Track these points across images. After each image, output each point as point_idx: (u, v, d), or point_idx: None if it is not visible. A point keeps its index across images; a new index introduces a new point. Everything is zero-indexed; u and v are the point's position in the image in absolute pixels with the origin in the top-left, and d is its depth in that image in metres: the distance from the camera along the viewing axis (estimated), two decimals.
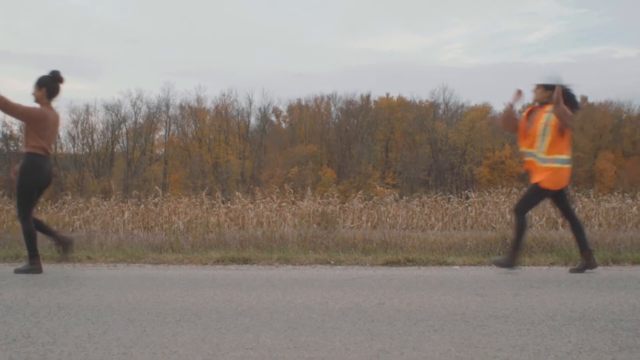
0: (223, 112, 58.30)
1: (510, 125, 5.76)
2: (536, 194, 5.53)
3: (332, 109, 59.95)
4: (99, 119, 67.55)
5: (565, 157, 5.45)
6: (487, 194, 14.32)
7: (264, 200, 14.00)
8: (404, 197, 15.33)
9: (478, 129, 53.45)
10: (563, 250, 6.79)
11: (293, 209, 13.39)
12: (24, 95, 5.64)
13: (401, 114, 58.19)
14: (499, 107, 55.71)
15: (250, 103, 59.56)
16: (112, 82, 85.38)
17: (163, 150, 57.60)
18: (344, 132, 57.78)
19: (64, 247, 5.84)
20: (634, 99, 77.39)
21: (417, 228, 13.14)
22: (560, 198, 5.56)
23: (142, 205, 13.73)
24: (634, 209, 13.24)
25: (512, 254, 5.52)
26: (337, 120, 59.48)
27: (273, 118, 61.53)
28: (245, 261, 6.34)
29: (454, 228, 13.36)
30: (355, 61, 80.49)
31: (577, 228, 5.61)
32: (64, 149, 54.03)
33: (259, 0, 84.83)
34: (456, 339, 2.94)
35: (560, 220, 12.99)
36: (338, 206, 13.95)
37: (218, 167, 54.14)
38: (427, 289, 4.48)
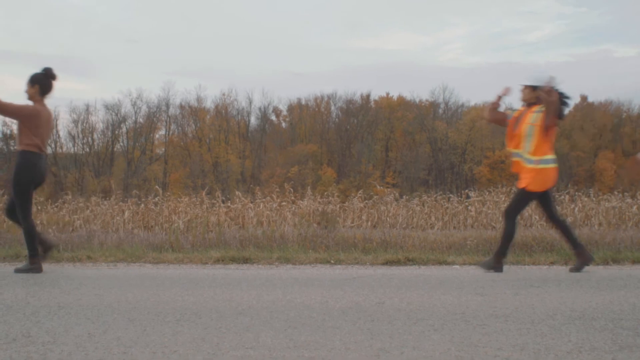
0: (223, 111, 58.31)
1: (496, 118, 5.83)
2: (524, 198, 5.55)
3: (332, 108, 60.00)
4: (99, 119, 67.30)
5: (550, 157, 5.48)
6: (487, 193, 14.31)
7: (264, 199, 14.00)
8: (404, 197, 15.32)
9: (478, 128, 53.43)
10: (563, 250, 6.78)
11: (293, 208, 13.39)
12: (24, 95, 5.63)
13: (401, 113, 58.18)
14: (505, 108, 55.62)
15: (250, 102, 59.63)
16: (112, 82, 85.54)
17: (163, 149, 57.61)
18: (344, 131, 57.78)
19: (45, 249, 5.72)
20: (634, 98, 77.44)
21: (417, 227, 13.14)
22: (545, 199, 5.58)
23: (142, 205, 13.73)
24: (634, 208, 13.24)
25: (498, 256, 5.51)
26: (337, 119, 59.49)
27: (273, 117, 61.57)
28: (246, 260, 6.34)
29: (454, 227, 13.35)
30: (355, 60, 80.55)
31: (563, 228, 5.65)
32: (64, 149, 54.10)
33: (259, 0, 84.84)
34: (456, 338, 2.94)
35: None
36: (338, 205, 13.94)
37: (218, 167, 54.15)
38: (427, 288, 4.48)
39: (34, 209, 12.85)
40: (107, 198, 14.64)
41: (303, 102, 60.48)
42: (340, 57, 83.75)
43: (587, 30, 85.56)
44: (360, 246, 7.30)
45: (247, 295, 4.13)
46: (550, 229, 6.44)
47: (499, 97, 5.75)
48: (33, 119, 5.44)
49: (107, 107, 55.03)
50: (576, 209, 13.43)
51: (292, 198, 14.25)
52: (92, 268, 5.98)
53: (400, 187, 38.52)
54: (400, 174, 53.80)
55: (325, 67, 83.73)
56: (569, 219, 12.90)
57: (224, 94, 58.79)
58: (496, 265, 5.48)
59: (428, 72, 77.75)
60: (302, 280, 4.93)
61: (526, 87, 5.60)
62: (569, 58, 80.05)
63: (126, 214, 13.31)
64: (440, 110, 60.08)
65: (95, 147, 55.35)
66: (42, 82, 5.58)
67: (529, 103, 5.58)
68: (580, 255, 5.54)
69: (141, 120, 56.60)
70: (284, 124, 62.64)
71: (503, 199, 13.43)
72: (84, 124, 54.83)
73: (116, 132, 55.98)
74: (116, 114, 55.44)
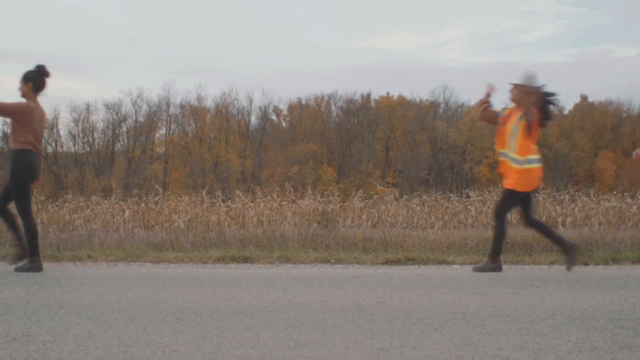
0: (223, 110, 58.31)
1: (487, 117, 5.81)
2: (511, 198, 5.56)
3: (333, 107, 60.01)
4: (99, 118, 67.76)
5: (535, 157, 5.50)
6: (488, 192, 14.30)
7: (264, 199, 13.99)
8: (404, 196, 15.31)
9: (478, 128, 53.40)
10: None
11: (293, 207, 13.39)
12: (18, 93, 5.62)
13: (401, 113, 58.18)
14: (499, 106, 55.63)
15: (251, 102, 59.66)
16: (113, 81, 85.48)
17: (163, 149, 57.63)
18: (345, 131, 57.77)
19: (24, 252, 5.65)
20: (634, 98, 77.41)
21: (417, 227, 13.13)
22: (526, 201, 5.60)
23: (143, 204, 13.72)
24: (634, 208, 13.23)
25: (493, 256, 5.52)
26: (337, 119, 59.48)
27: (273, 117, 61.58)
28: (246, 260, 6.35)
29: (454, 227, 13.34)
30: (355, 60, 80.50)
31: (542, 229, 5.71)
32: (65, 148, 54.14)
33: (259, 0, 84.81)
34: (456, 338, 2.94)
35: (560, 219, 12.99)
36: (338, 205, 13.93)
37: (218, 166, 54.16)
38: (427, 287, 4.48)
39: (34, 208, 12.87)
40: (108, 197, 14.63)
41: (303, 102, 60.53)
42: (341, 56, 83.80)
43: (587, 30, 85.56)
44: (360, 246, 7.30)
45: (247, 295, 4.13)
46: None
47: (487, 95, 5.74)
48: (26, 116, 5.43)
49: (108, 107, 55.11)
50: (576, 208, 13.43)
51: (293, 197, 14.24)
52: (93, 267, 5.99)
53: (401, 187, 38.52)
54: (400, 173, 53.81)
55: (325, 67, 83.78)
56: (569, 219, 12.91)
57: (224, 94, 58.87)
58: (494, 264, 5.48)
59: (428, 71, 77.81)
60: (302, 279, 4.93)
61: (515, 86, 5.60)
62: (569, 58, 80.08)
63: (126, 213, 13.31)
64: (441, 110, 60.09)
65: (96, 147, 55.38)
66: (35, 79, 5.58)
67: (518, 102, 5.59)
68: (567, 250, 5.60)
69: (142, 119, 56.66)
70: (284, 124, 62.66)
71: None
72: (85, 123, 54.90)
73: (117, 131, 55.99)
74: (117, 113, 55.50)
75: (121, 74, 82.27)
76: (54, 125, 52.68)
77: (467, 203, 14.19)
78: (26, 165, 5.43)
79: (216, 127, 57.48)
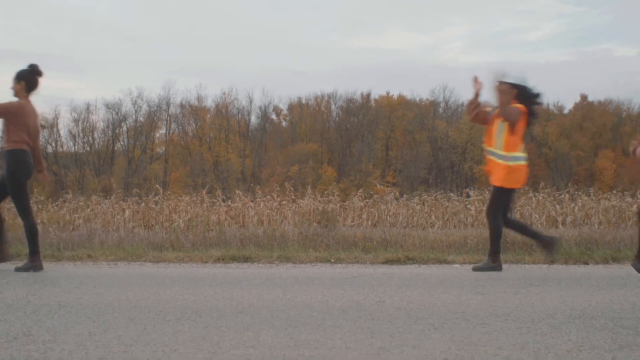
0: (223, 110, 58.29)
1: (478, 117, 5.76)
2: (501, 195, 5.57)
3: (333, 107, 59.98)
4: (99, 118, 67.76)
5: (520, 154, 5.51)
6: (488, 192, 14.29)
7: (264, 198, 13.99)
8: (404, 196, 15.30)
9: (478, 127, 53.24)
10: (563, 249, 6.79)
11: (293, 207, 13.39)
12: (10, 92, 5.62)
13: (401, 112, 58.16)
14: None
15: (251, 101, 59.57)
16: (113, 81, 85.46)
17: (163, 148, 57.62)
18: (345, 130, 57.76)
19: (3, 256, 5.66)
20: (634, 97, 77.39)
21: (418, 226, 13.13)
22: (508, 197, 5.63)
23: (143, 204, 13.72)
24: (634, 207, 13.23)
25: (493, 255, 5.52)
26: (337, 118, 59.47)
27: (273, 116, 61.56)
28: (246, 259, 6.35)
29: (454, 226, 13.34)
30: (355, 60, 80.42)
31: (518, 227, 5.78)
32: (65, 148, 54.15)
33: None
34: (456, 337, 2.94)
35: (560, 219, 13.00)
36: (338, 204, 13.94)
37: (218, 166, 54.16)
38: (428, 287, 4.48)
39: (34, 208, 12.88)
40: (108, 197, 14.64)
41: (303, 101, 60.51)
42: (341, 56, 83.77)
43: (587, 29, 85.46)
44: (360, 245, 7.30)
45: (247, 294, 4.13)
46: (550, 227, 6.46)
47: (476, 96, 5.68)
48: (19, 115, 5.43)
49: (108, 106, 55.10)
50: (576, 208, 13.43)
51: (293, 197, 14.25)
52: (93, 267, 5.99)
53: (401, 186, 38.48)
54: (400, 173, 53.79)
55: (325, 66, 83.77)
56: (569, 218, 12.91)
57: (224, 93, 58.84)
58: (494, 264, 5.48)
59: (428, 71, 77.78)
60: (302, 279, 4.93)
61: (502, 84, 5.60)
62: (569, 57, 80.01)
63: (127, 212, 13.31)
64: (441, 110, 60.08)
65: (96, 146, 55.38)
66: (27, 78, 5.57)
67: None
68: (545, 245, 5.63)
69: (142, 119, 56.65)
70: (284, 123, 62.64)
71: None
72: (85, 123, 54.89)
73: (117, 131, 55.99)
74: (117, 113, 55.49)
75: (121, 73, 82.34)
76: (54, 125, 52.76)
77: (467, 202, 14.18)
78: (22, 164, 5.42)
79: (216, 126, 57.47)
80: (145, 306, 3.73)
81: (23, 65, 5.64)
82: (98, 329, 3.12)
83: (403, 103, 59.64)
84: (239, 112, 58.77)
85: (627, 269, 5.67)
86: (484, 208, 5.74)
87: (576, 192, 14.64)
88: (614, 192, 14.74)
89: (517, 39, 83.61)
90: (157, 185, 15.32)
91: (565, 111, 58.32)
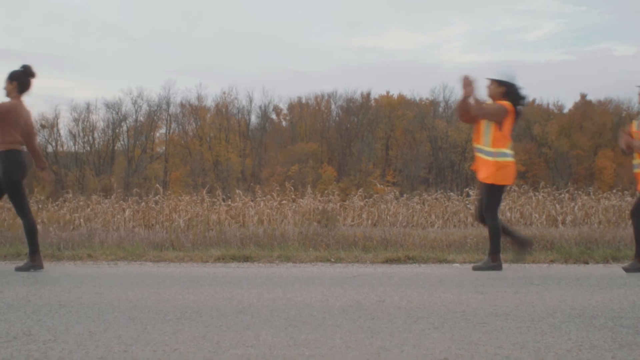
0: (224, 110, 58.28)
1: (469, 117, 5.69)
2: (494, 193, 5.57)
3: (333, 106, 59.96)
4: (99, 117, 67.60)
5: (507, 151, 5.51)
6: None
7: (264, 198, 14.00)
8: (405, 195, 15.30)
9: None
10: (563, 248, 6.80)
11: (293, 206, 13.39)
12: (2, 92, 5.62)
13: (401, 111, 58.16)
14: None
15: (251, 101, 59.53)
16: (113, 81, 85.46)
17: (164, 148, 57.60)
18: (345, 130, 57.75)
19: None
20: (634, 96, 77.12)
21: (418, 226, 13.13)
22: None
23: (143, 203, 13.73)
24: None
25: (493, 254, 5.51)
26: (337, 118, 59.45)
27: (273, 116, 61.55)
28: (246, 259, 6.35)
29: (454, 226, 13.34)
30: (355, 59, 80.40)
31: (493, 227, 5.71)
32: (65, 147, 54.15)
33: None
34: (456, 337, 2.94)
35: (560, 218, 13.00)
36: (338, 204, 13.93)
37: (219, 165, 54.15)
38: (428, 286, 4.48)
39: (35, 207, 12.89)
40: (108, 196, 14.64)
41: (303, 101, 60.49)
42: (341, 55, 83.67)
43: (586, 29, 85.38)
44: (360, 244, 7.31)
45: (247, 294, 4.14)
46: (549, 227, 6.45)
47: (468, 92, 5.58)
48: (12, 115, 5.43)
49: (108, 106, 55.07)
50: (576, 207, 13.43)
51: (293, 196, 14.25)
52: (93, 266, 5.99)
53: (401, 186, 38.49)
54: (400, 172, 53.79)
55: (325, 66, 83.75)
56: (569, 217, 12.91)
57: (224, 93, 58.80)
58: (494, 263, 5.48)
59: (428, 70, 77.74)
60: (302, 278, 4.94)
61: (492, 82, 5.60)
62: (569, 57, 79.97)
63: (127, 212, 13.32)
64: (441, 109, 60.03)
65: (96, 146, 55.37)
66: (20, 79, 5.57)
67: (495, 98, 5.58)
68: (519, 244, 5.64)
69: (142, 118, 56.63)
70: (284, 123, 62.63)
71: (503, 197, 13.42)
72: (85, 123, 54.87)
73: (117, 130, 55.97)
74: (117, 113, 55.47)
75: (121, 73, 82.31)
76: (54, 125, 52.76)
77: (467, 202, 14.18)
78: (16, 165, 5.42)
79: (216, 126, 57.46)
80: (145, 306, 3.74)
81: (17, 66, 5.65)
82: (98, 329, 3.13)
83: (403, 102, 59.63)
84: (239, 112, 58.80)
85: None
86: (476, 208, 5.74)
87: (576, 192, 14.64)
88: (614, 191, 14.74)
89: (517, 38, 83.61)
90: (157, 185, 15.32)
91: (565, 110, 58.35)
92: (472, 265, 5.70)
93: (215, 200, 13.81)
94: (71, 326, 3.19)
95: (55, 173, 47.08)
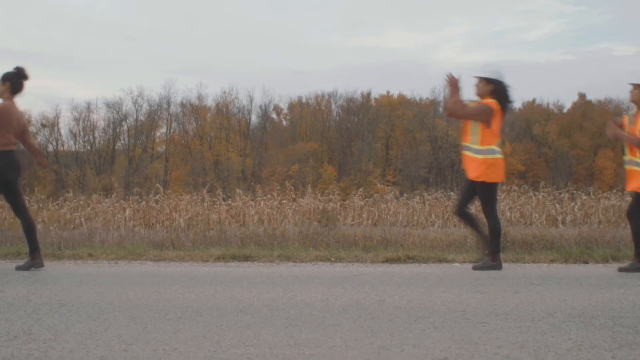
0: (224, 109, 58.26)
1: (454, 114, 5.63)
2: (489, 191, 5.56)
3: (333, 106, 59.91)
4: (100, 117, 67.48)
5: (495, 148, 5.50)
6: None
7: (264, 197, 14.00)
8: (405, 195, 15.30)
9: None
10: (563, 248, 6.80)
11: (294, 206, 13.40)
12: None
13: (402, 111, 58.14)
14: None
15: (251, 100, 59.44)
16: (113, 80, 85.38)
17: (164, 147, 57.58)
18: (345, 129, 57.74)
19: None
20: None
21: (418, 225, 13.13)
22: (471, 190, 5.65)
23: (143, 203, 13.73)
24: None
25: (493, 254, 5.51)
26: (337, 117, 59.43)
27: (274, 115, 61.53)
28: (246, 258, 6.35)
29: (455, 225, 13.33)
30: (355, 59, 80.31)
31: (470, 221, 5.73)
32: (66, 146, 54.16)
33: None
34: (456, 336, 2.95)
35: (560, 218, 13.00)
36: (338, 203, 13.93)
37: (219, 165, 54.15)
38: (428, 286, 4.49)
39: (35, 206, 12.89)
40: (108, 196, 14.65)
41: (304, 100, 60.45)
42: (341, 55, 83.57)
43: (586, 29, 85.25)
44: (360, 244, 7.30)
45: (247, 293, 4.14)
46: (549, 227, 6.45)
47: (456, 88, 5.54)
48: (4, 117, 5.42)
49: (109, 105, 55.04)
50: (576, 207, 13.43)
51: (293, 196, 14.25)
52: (93, 265, 6.00)
53: (401, 185, 38.49)
54: (400, 172, 53.78)
55: (326, 66, 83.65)
56: (569, 217, 12.91)
57: (224, 92, 58.77)
58: (494, 263, 5.48)
59: (428, 70, 77.67)
60: (302, 278, 4.94)
61: (480, 80, 5.59)
62: (569, 56, 79.92)
63: (127, 211, 13.32)
64: (441, 109, 59.99)
65: (97, 145, 55.34)
66: (13, 80, 5.57)
67: (483, 96, 5.57)
68: (483, 241, 5.60)
69: (142, 118, 56.60)
70: (284, 122, 62.61)
71: (503, 196, 13.44)
72: (85, 122, 54.84)
73: (117, 130, 55.95)
74: (117, 112, 55.44)
75: (121, 72, 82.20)
76: (54, 124, 52.76)
77: None
78: (10, 165, 5.43)
79: (217, 125, 57.45)
80: (145, 305, 3.74)
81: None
82: (99, 328, 3.13)
83: (403, 102, 59.61)
84: (240, 111, 58.76)
85: None
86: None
87: (576, 191, 14.64)
88: (614, 191, 14.74)
89: (517, 38, 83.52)
90: (158, 184, 15.33)
91: (565, 110, 58.32)
92: (472, 264, 5.70)
93: (216, 199, 13.82)
94: (72, 325, 3.19)
95: (56, 172, 47.07)
